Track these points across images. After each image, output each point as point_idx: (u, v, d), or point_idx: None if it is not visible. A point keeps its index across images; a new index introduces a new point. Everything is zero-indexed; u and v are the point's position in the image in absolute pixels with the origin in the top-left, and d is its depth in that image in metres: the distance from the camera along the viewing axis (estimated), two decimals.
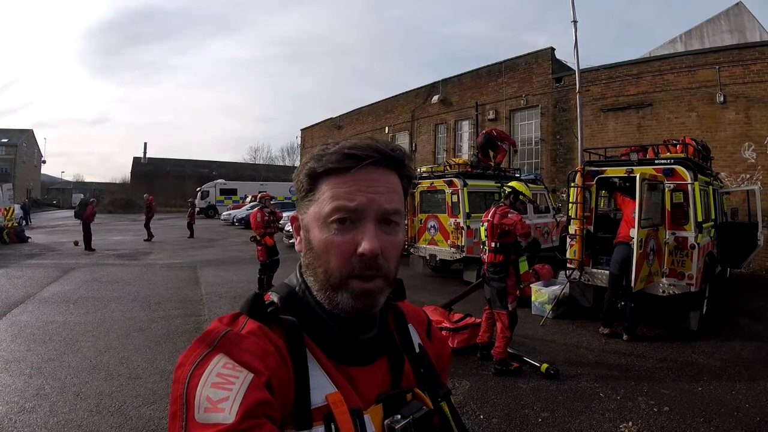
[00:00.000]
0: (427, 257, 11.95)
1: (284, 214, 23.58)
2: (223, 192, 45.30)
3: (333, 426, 0.85)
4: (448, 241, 11.15)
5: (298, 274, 1.02)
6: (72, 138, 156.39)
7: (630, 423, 4.74)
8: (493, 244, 6.22)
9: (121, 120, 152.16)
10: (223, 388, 0.76)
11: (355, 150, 0.92)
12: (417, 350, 1.09)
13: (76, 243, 19.31)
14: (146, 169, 65.12)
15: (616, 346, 7.08)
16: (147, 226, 22.34)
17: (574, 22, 9.96)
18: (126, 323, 8.14)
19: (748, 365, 6.29)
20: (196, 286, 11.47)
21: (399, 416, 0.93)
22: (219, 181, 47.31)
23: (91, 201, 20.35)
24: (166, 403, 4.95)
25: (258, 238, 10.13)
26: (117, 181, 75.43)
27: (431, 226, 11.78)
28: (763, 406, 5.05)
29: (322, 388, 0.88)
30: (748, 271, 13.13)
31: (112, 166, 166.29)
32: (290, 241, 18.53)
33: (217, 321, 0.92)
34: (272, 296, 1.00)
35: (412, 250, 12.31)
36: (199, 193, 45.25)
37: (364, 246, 0.88)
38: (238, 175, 55.65)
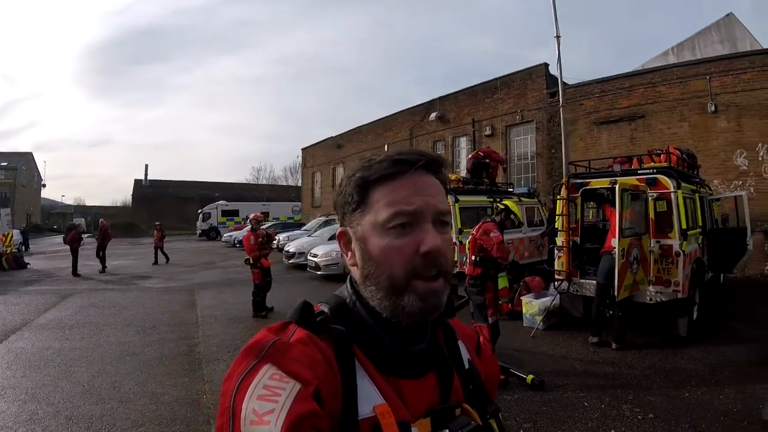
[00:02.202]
0: None
1: (282, 235, 23.62)
2: (225, 213, 45.22)
3: None
4: None
5: (349, 287, 1.02)
6: (72, 160, 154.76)
7: (613, 431, 4.80)
8: (473, 257, 6.30)
9: (122, 141, 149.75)
10: (269, 399, 0.76)
11: (404, 156, 0.95)
12: (466, 366, 1.08)
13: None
14: (147, 192, 65.24)
15: (605, 355, 7.13)
16: (99, 255, 19.82)
17: (557, 37, 10.08)
18: (120, 348, 8.19)
19: (739, 369, 6.32)
20: (191, 310, 11.45)
21: (447, 431, 0.93)
22: (221, 202, 47.23)
23: (75, 225, 20.36)
24: (155, 425, 5.19)
25: (251, 261, 10.27)
26: (118, 204, 75.39)
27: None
28: (751, 410, 5.04)
29: (370, 399, 0.88)
30: (744, 276, 13.20)
31: (113, 189, 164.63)
32: (290, 261, 18.57)
33: (265, 330, 0.92)
34: (322, 306, 1.00)
35: None
36: (200, 215, 45.59)
37: (428, 244, 0.90)
38: (241, 196, 55.40)
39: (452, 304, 1.11)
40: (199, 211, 46.65)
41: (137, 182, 68.80)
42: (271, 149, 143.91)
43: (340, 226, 1.03)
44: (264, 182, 75.28)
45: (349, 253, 1.00)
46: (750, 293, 11.55)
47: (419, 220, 0.92)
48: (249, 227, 10.75)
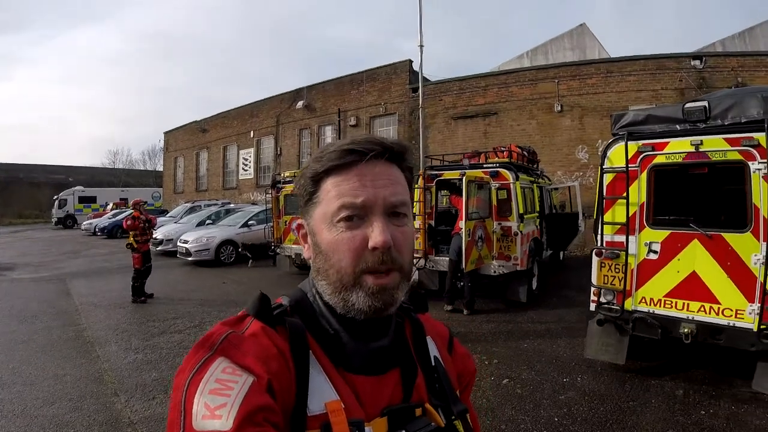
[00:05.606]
0: (293, 256, 12.63)
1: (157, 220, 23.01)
2: (82, 200, 42.32)
3: None
4: None
5: (310, 280, 0.98)
6: None
7: None
8: None
9: None
10: (221, 393, 0.74)
11: (355, 145, 0.89)
12: (433, 363, 1.03)
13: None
14: None
15: (458, 319, 8.35)
16: None
17: (421, 47, 11.05)
18: (7, 337, 7.97)
19: (570, 327, 7.69)
20: (68, 298, 11.16)
21: (404, 431, 0.89)
22: (77, 188, 44.04)
23: None
24: (66, 402, 5.28)
25: (134, 246, 10.19)
26: None
27: (295, 227, 12.34)
28: (578, 355, 6.28)
29: (322, 394, 0.84)
30: (582, 254, 15.21)
31: None
32: (158, 248, 18.17)
33: (220, 323, 0.89)
34: (283, 300, 0.97)
35: (278, 251, 12.91)
36: (56, 202, 42.29)
37: (375, 239, 0.85)
38: (97, 181, 52.14)
39: (425, 300, 1.11)
40: (55, 197, 43.08)
41: None
42: (128, 132, 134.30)
43: (302, 217, 1.00)
44: (121, 167, 70.26)
45: (306, 246, 0.98)
46: (586, 269, 13.07)
47: (368, 213, 0.87)
48: (113, 212, 10.45)
